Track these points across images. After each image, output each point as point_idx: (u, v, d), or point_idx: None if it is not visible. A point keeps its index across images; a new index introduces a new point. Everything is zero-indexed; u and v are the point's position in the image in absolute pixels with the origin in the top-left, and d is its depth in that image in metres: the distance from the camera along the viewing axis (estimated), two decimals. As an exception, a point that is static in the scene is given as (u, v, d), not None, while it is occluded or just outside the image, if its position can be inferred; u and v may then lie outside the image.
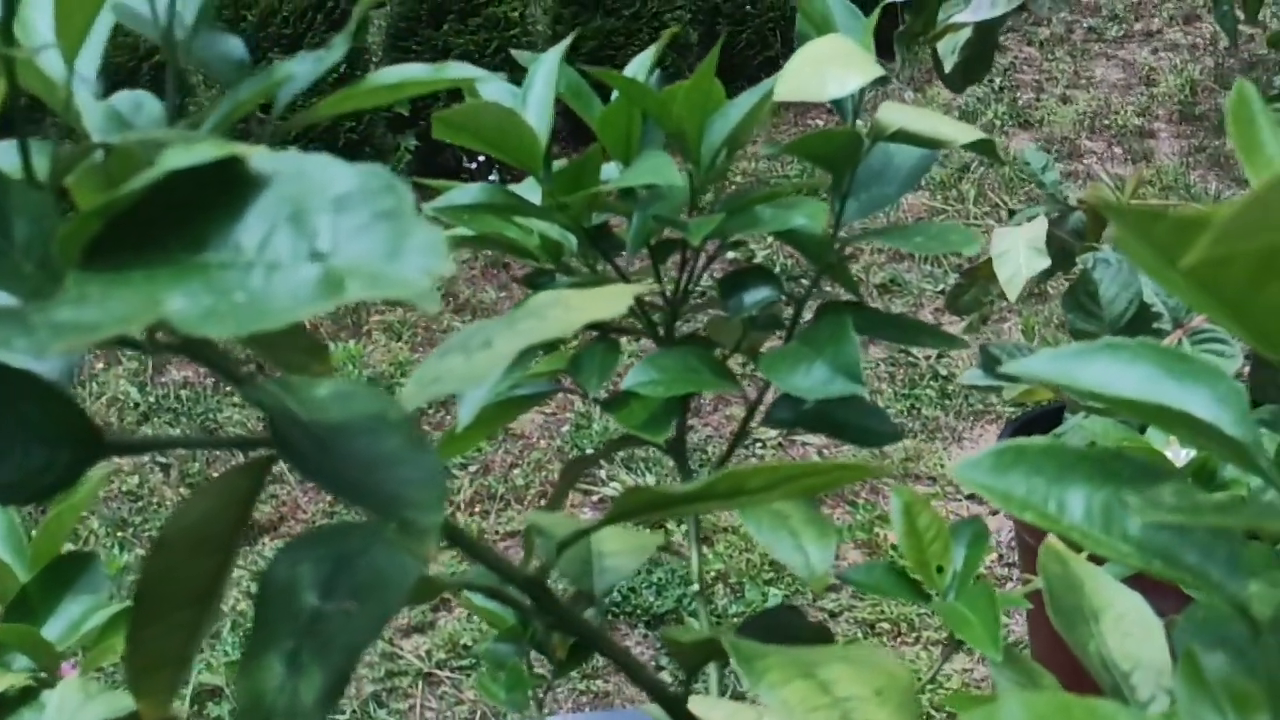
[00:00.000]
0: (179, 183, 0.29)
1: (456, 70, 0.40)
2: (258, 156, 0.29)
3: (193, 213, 0.29)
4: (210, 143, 0.28)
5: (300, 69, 0.39)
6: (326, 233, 0.28)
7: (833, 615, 2.56)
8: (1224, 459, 0.31)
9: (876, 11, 0.63)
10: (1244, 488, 0.87)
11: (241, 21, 3.57)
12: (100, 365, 3.27)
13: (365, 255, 0.27)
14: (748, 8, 4.52)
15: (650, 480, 2.97)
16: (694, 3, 4.50)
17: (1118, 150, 4.38)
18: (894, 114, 0.64)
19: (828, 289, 0.71)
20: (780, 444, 3.14)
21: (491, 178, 3.38)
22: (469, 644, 2.51)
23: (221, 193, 0.29)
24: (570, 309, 0.43)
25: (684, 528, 2.62)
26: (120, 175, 0.34)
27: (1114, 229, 0.28)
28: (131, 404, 3.18)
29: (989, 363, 0.91)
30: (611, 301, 0.43)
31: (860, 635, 2.49)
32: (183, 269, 0.28)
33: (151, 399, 3.19)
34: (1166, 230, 0.27)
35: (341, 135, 3.59)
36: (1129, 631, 0.42)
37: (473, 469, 3.02)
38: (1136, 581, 0.47)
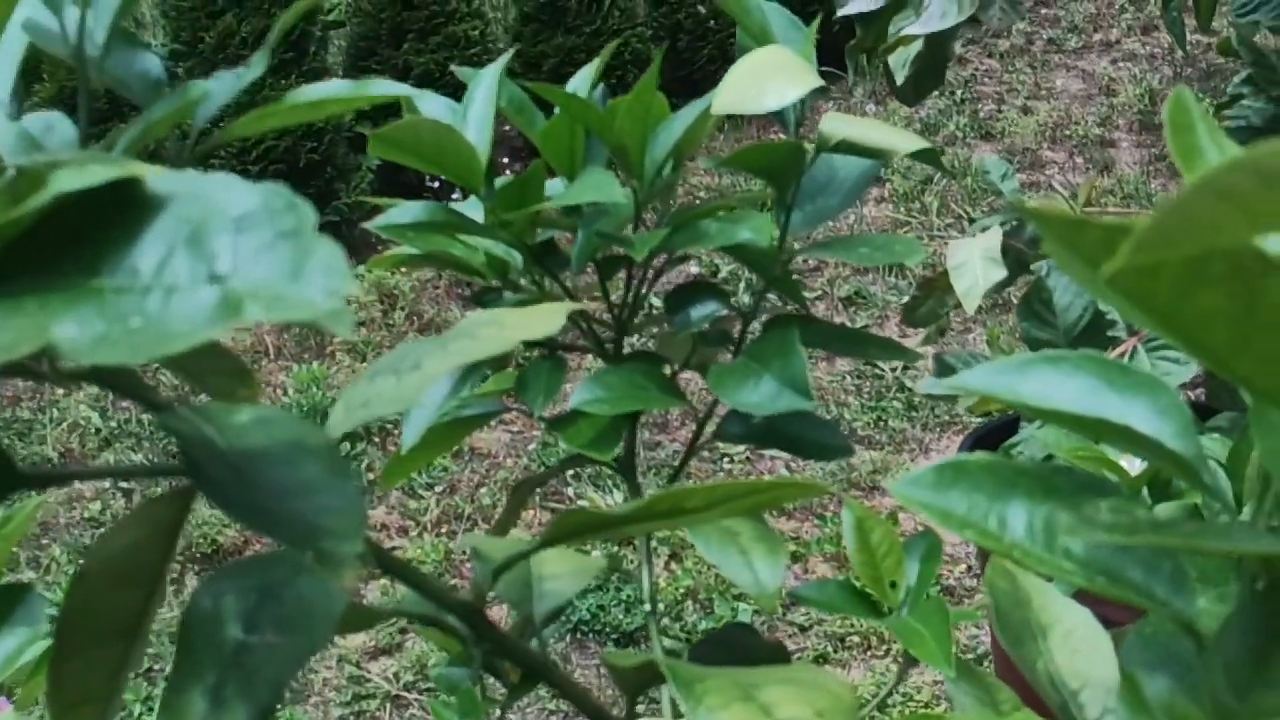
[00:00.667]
0: (74, 205, 0.28)
1: (379, 87, 0.39)
2: (156, 177, 0.28)
3: (88, 236, 0.28)
4: (103, 163, 0.27)
5: (217, 87, 0.38)
6: (226, 254, 0.27)
7: (803, 630, 2.56)
8: (1167, 472, 0.31)
9: (816, 22, 0.63)
10: (1198, 497, 0.87)
11: (199, 43, 3.55)
12: (60, 391, 3.23)
13: (266, 276, 0.26)
14: (710, 23, 4.53)
15: (618, 498, 2.95)
16: (655, 19, 4.51)
17: (1079, 160, 4.41)
18: (837, 125, 0.63)
19: (783, 303, 0.71)
20: (748, 458, 3.14)
21: (454, 196, 3.36)
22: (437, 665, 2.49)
23: (118, 215, 0.28)
24: (504, 327, 0.42)
25: (652, 544, 2.60)
26: (24, 199, 0.32)
27: (1044, 239, 0.27)
28: (93, 429, 3.14)
29: (944, 372, 0.91)
30: (545, 320, 0.42)
31: (831, 649, 2.48)
32: (76, 294, 0.26)
33: (113, 424, 3.16)
34: (1092, 239, 0.27)
35: (303, 156, 3.57)
36: (1077, 648, 0.41)
37: (439, 489, 3.00)
38: (1086, 594, 0.46)
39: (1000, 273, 1.23)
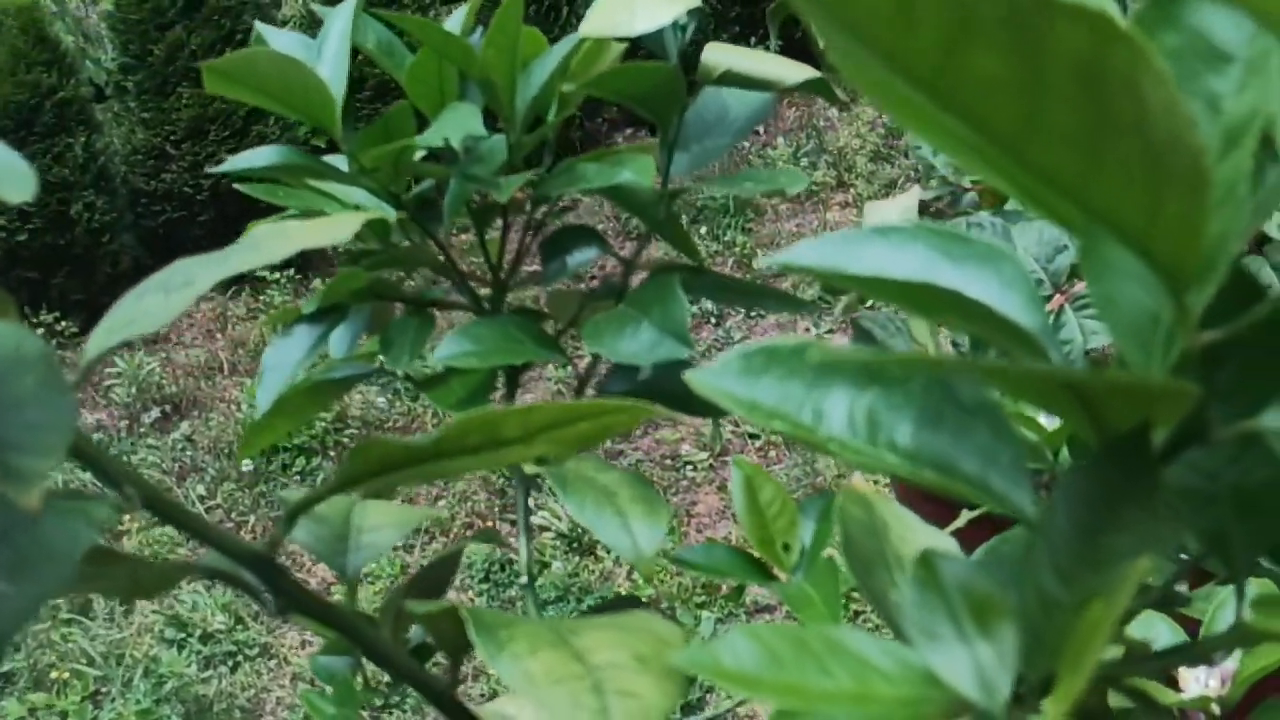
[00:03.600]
0: None
1: None
2: None
3: None
4: None
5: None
6: None
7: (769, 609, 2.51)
8: (1002, 346, 0.26)
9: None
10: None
11: (148, 56, 3.50)
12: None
13: None
14: None
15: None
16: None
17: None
18: (720, 55, 0.58)
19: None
20: (711, 465, 3.09)
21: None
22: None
23: None
24: (289, 237, 0.37)
25: (612, 555, 2.54)
26: None
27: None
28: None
29: (861, 337, 0.86)
30: (335, 228, 0.37)
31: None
32: None
33: (62, 445, 3.09)
34: None
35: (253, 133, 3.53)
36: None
37: (396, 503, 2.94)
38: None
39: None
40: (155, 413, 3.24)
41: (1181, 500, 0.24)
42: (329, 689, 0.68)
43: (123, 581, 0.39)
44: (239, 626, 2.60)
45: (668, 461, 3.11)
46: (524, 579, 0.60)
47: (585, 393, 0.62)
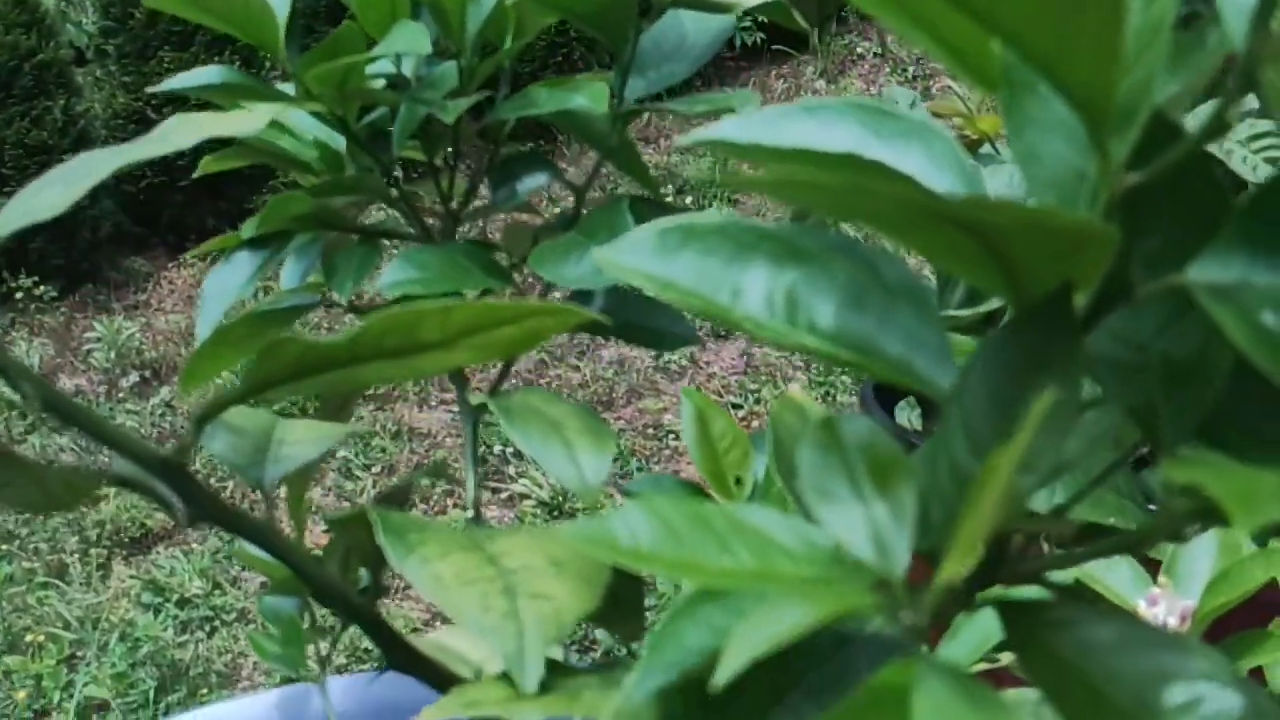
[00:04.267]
0: None
1: None
2: None
3: None
4: None
5: None
6: None
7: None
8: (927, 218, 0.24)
9: None
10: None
11: (130, 19, 3.46)
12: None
13: None
14: None
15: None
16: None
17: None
18: (676, -26, 0.57)
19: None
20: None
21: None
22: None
23: None
24: (197, 126, 0.35)
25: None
26: None
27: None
28: (20, 413, 3.05)
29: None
30: (245, 121, 0.35)
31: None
32: None
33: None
34: None
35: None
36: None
37: (376, 470, 2.93)
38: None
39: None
40: (134, 377, 3.22)
41: (1108, 373, 0.23)
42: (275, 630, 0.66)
43: (30, 491, 0.37)
44: (216, 591, 2.58)
45: (650, 431, 3.10)
46: (470, 513, 0.58)
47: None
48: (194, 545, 2.75)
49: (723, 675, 0.20)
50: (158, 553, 2.71)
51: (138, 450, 0.36)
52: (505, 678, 0.29)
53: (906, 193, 0.20)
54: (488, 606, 0.29)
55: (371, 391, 3.24)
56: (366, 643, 2.27)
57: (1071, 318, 0.21)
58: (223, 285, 0.58)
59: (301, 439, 0.41)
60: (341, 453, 2.97)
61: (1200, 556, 0.57)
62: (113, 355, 3.22)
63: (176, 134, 0.34)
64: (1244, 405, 0.23)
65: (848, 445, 0.23)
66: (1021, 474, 0.20)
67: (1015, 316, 0.22)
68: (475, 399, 0.57)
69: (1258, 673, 0.55)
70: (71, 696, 2.32)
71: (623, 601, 0.36)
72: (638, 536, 0.22)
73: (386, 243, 0.64)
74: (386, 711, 0.68)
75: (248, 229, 0.58)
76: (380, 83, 0.62)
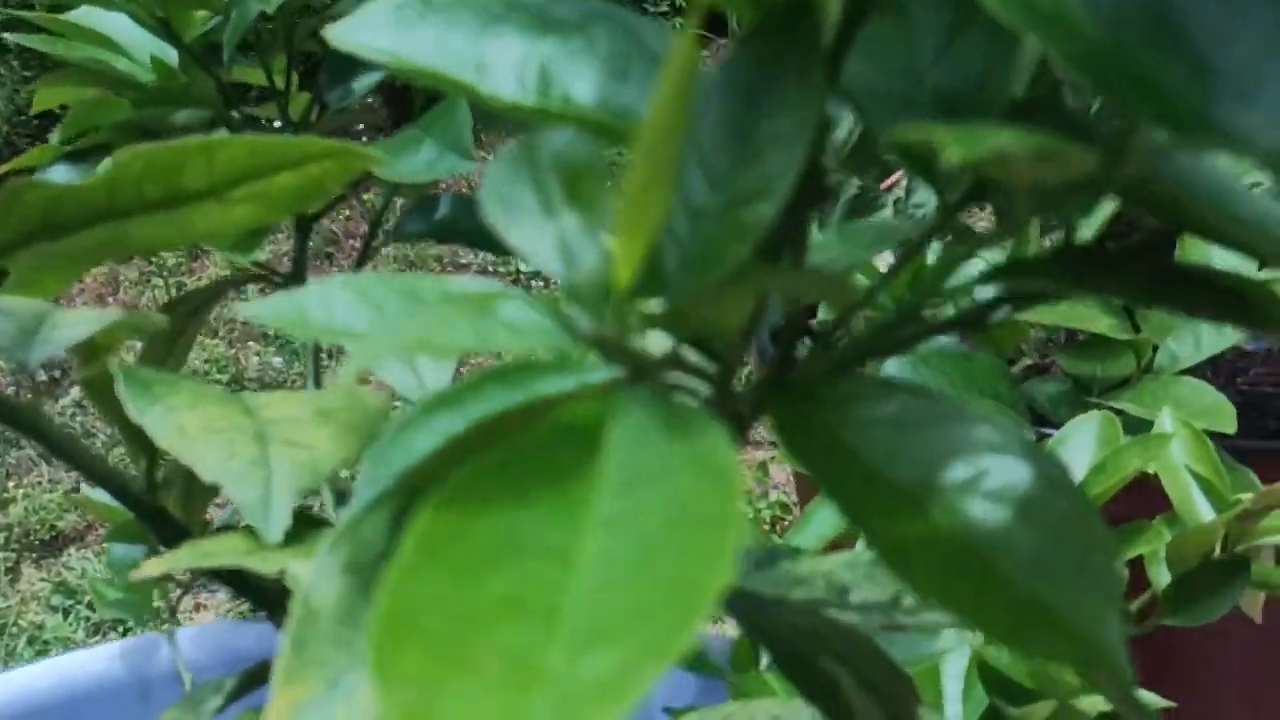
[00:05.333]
0: None
1: None
2: None
3: None
4: None
5: None
6: None
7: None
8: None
9: None
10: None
11: (31, 10, 3.37)
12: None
13: None
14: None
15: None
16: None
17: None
18: None
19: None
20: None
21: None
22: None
23: None
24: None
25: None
26: None
27: None
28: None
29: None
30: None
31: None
32: None
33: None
34: None
35: None
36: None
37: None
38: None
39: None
40: (44, 377, 3.13)
41: (873, 105, 0.20)
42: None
43: None
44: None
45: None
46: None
47: (377, 236, 0.57)
48: (105, 547, 2.68)
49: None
50: (69, 554, 2.63)
51: None
52: (249, 529, 0.25)
53: None
54: (233, 454, 0.26)
55: (290, 384, 3.18)
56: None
57: (812, 16, 0.18)
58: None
59: (75, 322, 0.37)
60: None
61: (1079, 448, 0.55)
62: (18, 355, 3.13)
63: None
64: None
65: (541, 157, 0.20)
66: (754, 203, 0.17)
67: (752, 28, 0.19)
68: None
69: (1137, 563, 0.54)
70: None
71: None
72: (333, 314, 0.19)
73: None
74: (241, 662, 0.63)
75: (57, 134, 0.54)
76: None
